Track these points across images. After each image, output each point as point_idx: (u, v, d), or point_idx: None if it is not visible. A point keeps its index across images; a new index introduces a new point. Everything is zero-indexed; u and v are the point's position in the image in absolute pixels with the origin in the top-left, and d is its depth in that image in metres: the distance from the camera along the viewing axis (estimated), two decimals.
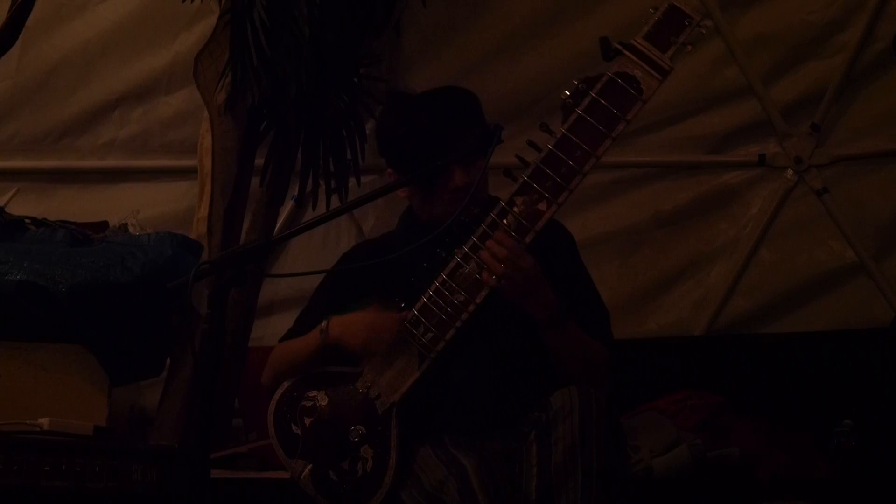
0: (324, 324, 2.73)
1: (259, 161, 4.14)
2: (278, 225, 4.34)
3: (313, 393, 2.71)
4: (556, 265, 2.70)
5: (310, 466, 2.64)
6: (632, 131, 4.23)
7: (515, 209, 2.57)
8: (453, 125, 2.72)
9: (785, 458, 3.47)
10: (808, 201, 4.32)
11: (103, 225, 3.97)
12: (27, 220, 3.79)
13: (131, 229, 3.91)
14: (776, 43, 4.31)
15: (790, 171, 4.33)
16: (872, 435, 3.45)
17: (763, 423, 3.64)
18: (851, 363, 3.96)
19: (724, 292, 4.33)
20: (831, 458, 3.43)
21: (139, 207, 4.13)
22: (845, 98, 4.31)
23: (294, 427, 2.69)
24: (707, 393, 3.74)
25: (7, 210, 3.88)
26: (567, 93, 2.60)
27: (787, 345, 4.18)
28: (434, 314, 2.60)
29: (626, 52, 2.58)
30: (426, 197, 2.76)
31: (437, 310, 2.60)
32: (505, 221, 2.57)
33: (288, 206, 4.41)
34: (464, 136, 2.70)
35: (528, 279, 2.57)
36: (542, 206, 2.57)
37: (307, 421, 2.69)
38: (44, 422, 2.99)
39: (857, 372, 3.89)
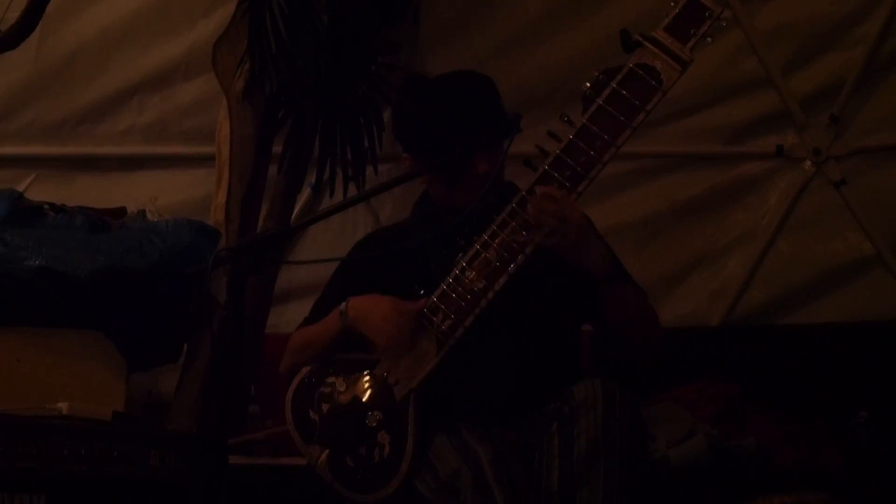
0: (343, 305, 2.72)
1: (277, 149, 4.15)
2: (295, 213, 4.34)
3: (331, 379, 2.71)
4: None
5: (326, 452, 2.64)
6: (650, 122, 4.17)
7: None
8: (473, 109, 2.70)
9: (800, 450, 3.46)
10: (826, 193, 4.30)
11: (122, 211, 3.99)
12: (46, 206, 3.80)
13: (149, 216, 3.92)
14: (795, 34, 4.29)
15: (808, 163, 4.31)
16: (888, 426, 3.45)
17: (779, 415, 3.64)
18: (868, 355, 3.95)
19: (741, 283, 4.32)
20: (847, 449, 3.43)
21: (157, 194, 4.15)
22: (864, 90, 4.28)
23: (312, 413, 2.69)
24: (723, 384, 3.74)
25: (26, 196, 3.90)
26: (588, 84, 2.61)
27: (804, 336, 4.16)
28: (453, 301, 2.60)
29: (647, 44, 2.59)
30: (449, 185, 2.75)
31: (456, 297, 2.60)
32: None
33: (305, 193, 4.42)
34: (484, 122, 2.69)
35: (579, 231, 2.55)
36: None
37: (325, 407, 2.68)
38: (62, 406, 3.00)
39: (873, 364, 3.89)
